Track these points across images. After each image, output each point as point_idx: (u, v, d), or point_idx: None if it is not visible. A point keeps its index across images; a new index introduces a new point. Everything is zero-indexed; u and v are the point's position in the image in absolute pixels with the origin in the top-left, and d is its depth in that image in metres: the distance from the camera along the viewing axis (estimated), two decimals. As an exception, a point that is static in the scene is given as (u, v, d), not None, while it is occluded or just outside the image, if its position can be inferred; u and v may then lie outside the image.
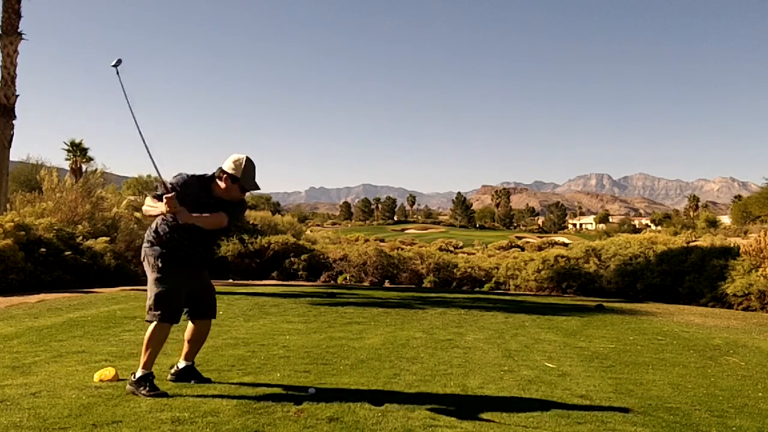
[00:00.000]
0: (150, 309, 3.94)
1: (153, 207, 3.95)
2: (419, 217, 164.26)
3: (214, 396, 3.80)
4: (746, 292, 12.14)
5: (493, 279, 17.10)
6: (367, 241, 35.76)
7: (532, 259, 17.06)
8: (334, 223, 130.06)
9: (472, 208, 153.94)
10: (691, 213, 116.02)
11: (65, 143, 27.16)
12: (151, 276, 3.99)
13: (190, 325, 4.24)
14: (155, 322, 3.93)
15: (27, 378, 4.18)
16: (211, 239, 4.18)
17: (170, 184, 3.93)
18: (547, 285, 16.03)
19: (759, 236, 13.15)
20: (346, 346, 5.84)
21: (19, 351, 5.17)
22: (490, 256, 23.83)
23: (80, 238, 13.55)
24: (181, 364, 4.24)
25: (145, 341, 3.96)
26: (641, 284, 14.20)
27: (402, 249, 21.96)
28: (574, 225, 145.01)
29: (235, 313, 8.15)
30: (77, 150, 26.91)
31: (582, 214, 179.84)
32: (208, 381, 4.20)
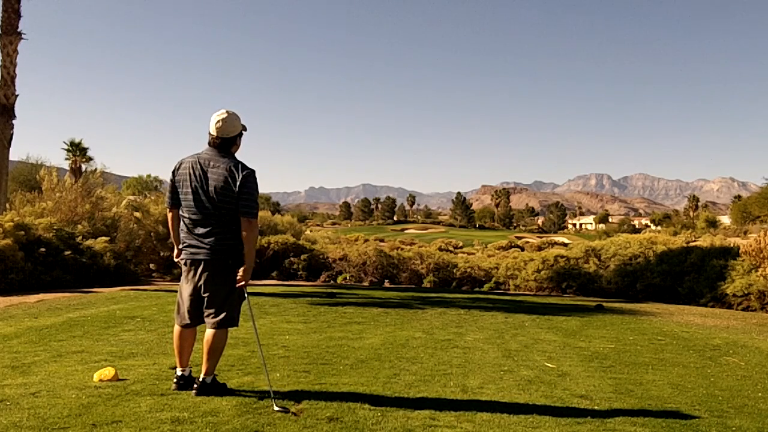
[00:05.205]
0: None
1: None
2: (419, 217, 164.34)
3: (213, 396, 3.80)
4: (746, 292, 12.14)
5: (493, 279, 17.11)
6: (366, 241, 35.74)
7: (532, 259, 17.07)
8: (333, 223, 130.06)
9: (471, 208, 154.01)
10: (691, 213, 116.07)
11: (65, 143, 27.20)
12: None
13: None
14: None
15: (27, 378, 4.18)
16: (215, 215, 3.76)
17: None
18: (546, 285, 16.04)
19: (759, 236, 13.15)
20: (345, 346, 5.84)
21: (18, 351, 5.16)
22: (489, 256, 23.86)
23: (80, 237, 13.54)
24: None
25: None
26: (641, 284, 14.20)
27: (402, 249, 21.97)
28: (574, 225, 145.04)
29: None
30: (77, 150, 26.93)
31: (582, 214, 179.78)
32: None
